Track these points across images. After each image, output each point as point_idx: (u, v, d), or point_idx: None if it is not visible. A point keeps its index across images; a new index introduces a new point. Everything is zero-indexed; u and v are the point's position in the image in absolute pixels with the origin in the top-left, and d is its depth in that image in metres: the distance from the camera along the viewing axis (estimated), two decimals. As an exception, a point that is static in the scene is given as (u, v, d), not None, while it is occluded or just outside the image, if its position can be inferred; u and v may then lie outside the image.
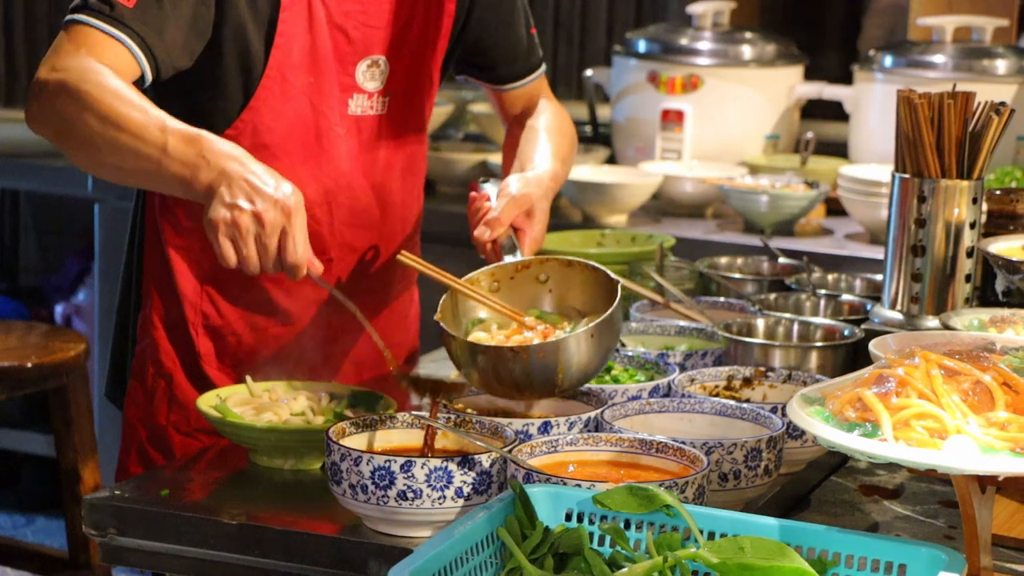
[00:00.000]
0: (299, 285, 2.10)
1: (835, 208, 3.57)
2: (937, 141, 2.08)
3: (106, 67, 1.93)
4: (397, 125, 2.21)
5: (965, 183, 2.09)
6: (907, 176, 2.11)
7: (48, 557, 3.23)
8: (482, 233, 2.09)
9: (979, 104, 2.10)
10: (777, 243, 3.34)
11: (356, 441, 1.74)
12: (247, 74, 2.08)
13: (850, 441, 1.41)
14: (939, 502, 1.88)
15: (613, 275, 1.94)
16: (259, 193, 1.86)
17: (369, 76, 2.17)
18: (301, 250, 1.88)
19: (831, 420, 1.46)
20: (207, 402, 1.94)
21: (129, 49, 1.96)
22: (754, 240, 3.37)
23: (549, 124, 2.34)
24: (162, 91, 2.06)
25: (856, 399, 1.45)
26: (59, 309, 4.42)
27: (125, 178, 1.98)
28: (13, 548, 3.29)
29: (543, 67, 2.40)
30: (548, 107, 2.39)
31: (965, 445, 1.38)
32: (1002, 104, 2.08)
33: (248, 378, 1.96)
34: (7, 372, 2.94)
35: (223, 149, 1.89)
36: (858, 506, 1.90)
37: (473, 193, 2.17)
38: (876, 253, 3.19)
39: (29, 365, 2.96)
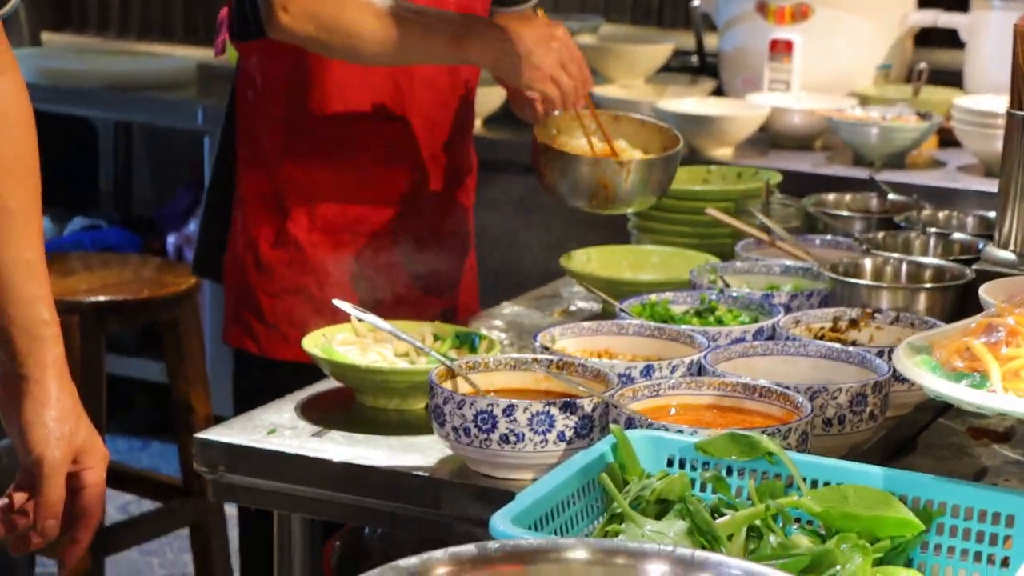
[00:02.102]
0: (384, 152, 2.40)
1: (949, 139, 3.48)
2: (1055, 77, 2.02)
3: None
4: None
5: (1083, 120, 2.02)
6: (1021, 113, 2.05)
7: (164, 484, 3.31)
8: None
9: (1100, 38, 2.02)
10: (887, 176, 3.27)
11: (459, 383, 1.76)
12: None
13: (958, 392, 1.39)
14: (1050, 447, 1.85)
15: (665, 125, 2.44)
16: (535, 34, 2.21)
17: None
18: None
19: (938, 370, 1.43)
20: (313, 341, 1.96)
21: None
22: (863, 173, 3.30)
23: None
24: None
25: (964, 348, 1.42)
26: (171, 240, 4.49)
27: (391, 58, 2.27)
28: (131, 474, 3.38)
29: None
30: None
31: (1077, 397, 1.35)
32: (1124, 39, 2.00)
33: (354, 316, 1.97)
34: (122, 305, 3.00)
35: (476, 16, 2.25)
36: (966, 450, 1.87)
37: None
38: (990, 186, 3.10)
39: (143, 298, 3.02)
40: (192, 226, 4.46)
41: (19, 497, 1.54)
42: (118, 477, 3.33)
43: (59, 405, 1.54)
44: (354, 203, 2.43)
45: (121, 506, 3.94)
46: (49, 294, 1.56)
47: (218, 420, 3.40)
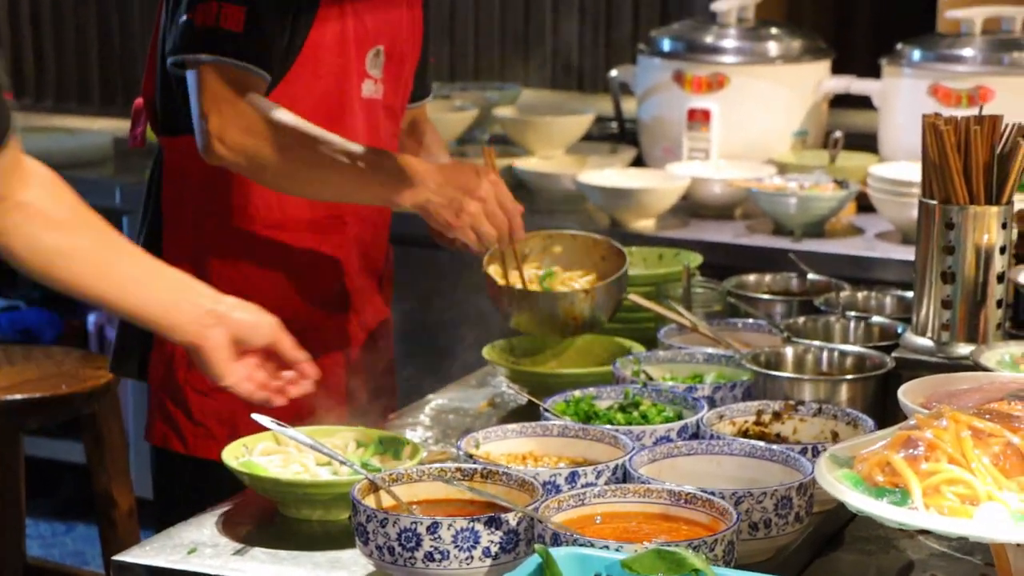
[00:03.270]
0: (317, 245, 2.43)
1: (866, 204, 3.52)
2: (964, 167, 2.04)
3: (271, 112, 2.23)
4: (391, 114, 2.50)
5: (994, 208, 2.05)
6: (934, 202, 2.07)
7: (87, 581, 3.25)
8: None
9: (1007, 127, 2.05)
10: (807, 245, 3.32)
11: (382, 497, 1.73)
12: (288, 51, 2.31)
13: (880, 509, 1.39)
14: (974, 540, 1.86)
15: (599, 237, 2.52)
16: (462, 183, 2.27)
17: (374, 64, 2.43)
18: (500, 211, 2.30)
19: (860, 485, 1.43)
20: (233, 453, 1.93)
21: (263, 78, 2.27)
22: (784, 242, 3.34)
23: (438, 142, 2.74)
24: None
25: (885, 462, 1.43)
26: (91, 319, 4.43)
27: (320, 196, 2.36)
28: (52, 571, 3.31)
29: (432, 94, 2.73)
30: (431, 127, 2.73)
31: (997, 513, 1.35)
32: (1030, 128, 2.03)
33: (273, 426, 1.94)
34: (40, 402, 2.95)
35: (409, 162, 2.28)
36: (893, 542, 1.87)
37: None
38: (907, 254, 3.14)
39: (61, 393, 2.97)
40: (113, 304, 4.40)
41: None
42: (38, 573, 3.26)
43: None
44: (287, 302, 2.39)
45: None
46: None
47: (141, 505, 3.37)
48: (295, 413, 2.15)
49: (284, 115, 2.25)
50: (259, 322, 1.98)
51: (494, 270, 2.42)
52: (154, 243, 2.46)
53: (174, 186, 2.44)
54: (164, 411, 2.44)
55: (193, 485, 2.40)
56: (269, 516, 1.91)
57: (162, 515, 2.38)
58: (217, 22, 2.24)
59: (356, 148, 2.27)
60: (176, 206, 2.44)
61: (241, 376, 1.95)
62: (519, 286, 2.40)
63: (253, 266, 2.41)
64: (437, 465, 1.79)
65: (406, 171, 2.27)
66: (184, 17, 2.27)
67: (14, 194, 1.85)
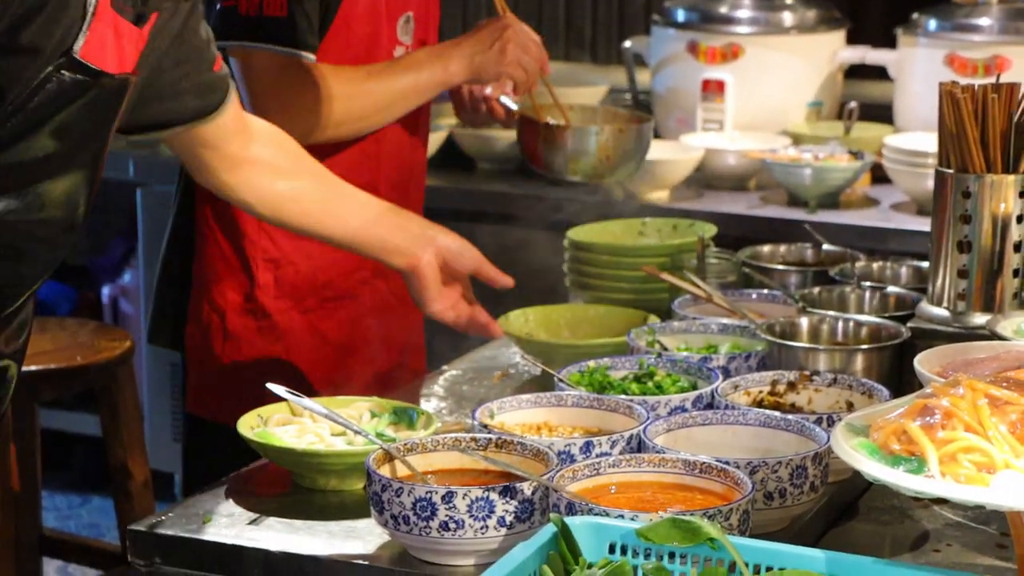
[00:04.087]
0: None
1: (881, 175, 3.51)
2: (981, 135, 2.03)
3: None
4: None
5: (1011, 177, 2.03)
6: (951, 171, 2.06)
7: (103, 552, 3.25)
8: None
9: (1024, 95, 2.04)
10: (822, 216, 3.30)
11: (397, 467, 1.73)
12: (321, 21, 2.36)
13: (896, 477, 1.38)
14: (990, 509, 1.85)
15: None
16: (493, 31, 2.48)
17: (404, 31, 2.50)
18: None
19: (876, 453, 1.43)
20: (248, 423, 1.93)
21: (310, 59, 2.37)
22: (798, 214, 3.32)
23: None
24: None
25: (901, 431, 1.42)
26: (106, 291, 4.43)
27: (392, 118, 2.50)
28: (68, 542, 3.32)
29: None
30: None
31: (1014, 481, 1.35)
32: (1048, 96, 2.02)
33: (289, 396, 1.94)
34: (54, 373, 2.95)
35: (439, 46, 2.48)
36: (907, 512, 1.87)
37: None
38: (923, 225, 3.12)
39: (76, 365, 2.97)
40: (127, 276, 4.41)
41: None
42: (55, 544, 3.27)
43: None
44: (321, 271, 2.49)
45: (60, 567, 3.87)
46: None
47: (156, 477, 3.37)
48: (341, 369, 2.25)
49: (336, 84, 2.36)
50: (464, 248, 2.16)
51: (529, 114, 2.69)
52: (187, 213, 2.51)
53: None
54: (204, 383, 2.49)
55: (225, 455, 2.42)
56: (284, 486, 1.91)
57: (193, 485, 2.41)
58: (261, 10, 2.30)
59: (396, 63, 2.43)
60: None
61: (447, 304, 2.15)
62: (556, 121, 2.66)
63: (288, 236, 2.44)
64: (452, 435, 1.79)
65: (444, 51, 2.45)
66: (223, 4, 2.31)
67: (242, 150, 2.06)
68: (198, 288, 2.50)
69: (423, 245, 2.13)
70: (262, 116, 2.21)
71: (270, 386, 1.88)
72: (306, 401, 1.88)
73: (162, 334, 2.58)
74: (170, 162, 4.08)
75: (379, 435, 1.88)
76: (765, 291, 2.38)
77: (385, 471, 1.71)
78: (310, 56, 2.35)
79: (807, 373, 1.99)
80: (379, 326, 2.58)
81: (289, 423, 1.95)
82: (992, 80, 2.04)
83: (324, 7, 2.37)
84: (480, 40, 2.48)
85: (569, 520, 1.52)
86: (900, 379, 2.03)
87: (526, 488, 1.65)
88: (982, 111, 2.02)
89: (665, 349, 2.16)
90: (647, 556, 1.49)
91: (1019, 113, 2.03)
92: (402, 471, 1.73)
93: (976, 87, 2.03)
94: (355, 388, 2.34)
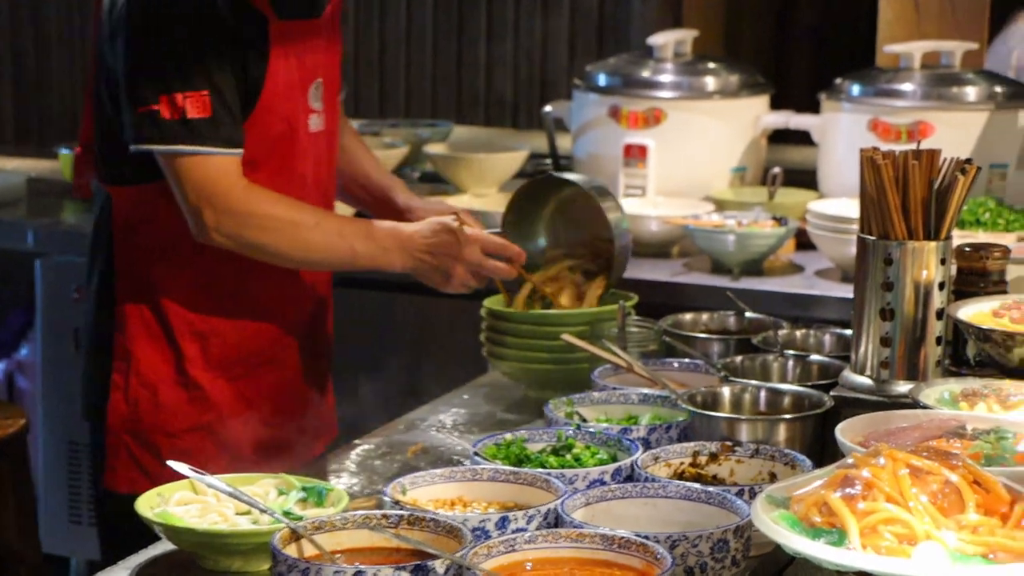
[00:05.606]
0: (275, 281, 2.56)
1: (806, 241, 3.56)
2: (903, 201, 2.07)
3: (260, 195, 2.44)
4: (331, 141, 2.65)
5: (932, 244, 2.08)
6: (873, 238, 2.09)
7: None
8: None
9: (944, 161, 2.09)
10: (746, 284, 3.34)
11: (304, 546, 1.72)
12: (245, 104, 2.46)
13: (817, 550, 1.40)
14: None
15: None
16: (446, 252, 2.51)
17: (315, 96, 2.57)
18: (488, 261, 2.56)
19: (797, 526, 1.44)
20: (147, 503, 1.91)
21: (239, 153, 2.44)
22: (722, 281, 3.36)
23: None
24: None
25: (822, 502, 1.44)
26: (1, 366, 4.36)
27: (315, 269, 2.61)
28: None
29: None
30: (349, 130, 2.90)
31: (935, 552, 1.37)
32: (968, 162, 2.07)
33: (190, 474, 1.92)
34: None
35: (391, 233, 2.51)
36: (832, 586, 1.88)
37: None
38: (847, 291, 3.16)
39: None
40: (24, 351, 4.35)
41: None
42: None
43: None
44: (244, 341, 2.55)
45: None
46: None
47: (50, 562, 3.31)
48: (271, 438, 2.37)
49: (273, 203, 2.44)
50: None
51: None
52: (106, 292, 2.56)
53: (125, 235, 2.54)
54: (130, 455, 2.54)
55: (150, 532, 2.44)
56: (187, 567, 1.88)
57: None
58: (184, 114, 2.37)
59: (347, 226, 2.50)
60: (128, 254, 2.54)
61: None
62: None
63: (215, 308, 2.53)
64: (361, 512, 1.78)
65: (393, 241, 2.51)
66: (145, 108, 2.38)
67: None
68: (123, 360, 2.55)
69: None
70: (199, 219, 2.39)
71: (171, 463, 1.86)
72: (209, 478, 1.86)
73: (96, 411, 2.61)
74: (71, 231, 4.09)
75: (286, 513, 1.87)
76: (687, 360, 2.40)
77: (291, 551, 1.70)
78: (237, 152, 2.44)
79: (729, 444, 2.01)
80: (304, 389, 2.65)
81: (191, 502, 1.93)
82: (913, 146, 2.09)
83: (244, 95, 2.45)
84: (430, 249, 2.52)
85: (482, 599, 1.51)
86: (824, 449, 2.05)
87: (438, 567, 1.64)
88: (903, 177, 2.06)
89: (584, 420, 2.17)
90: (563, 636, 1.49)
91: (940, 180, 2.08)
92: (310, 551, 1.72)
93: (897, 153, 2.08)
94: (283, 454, 2.44)
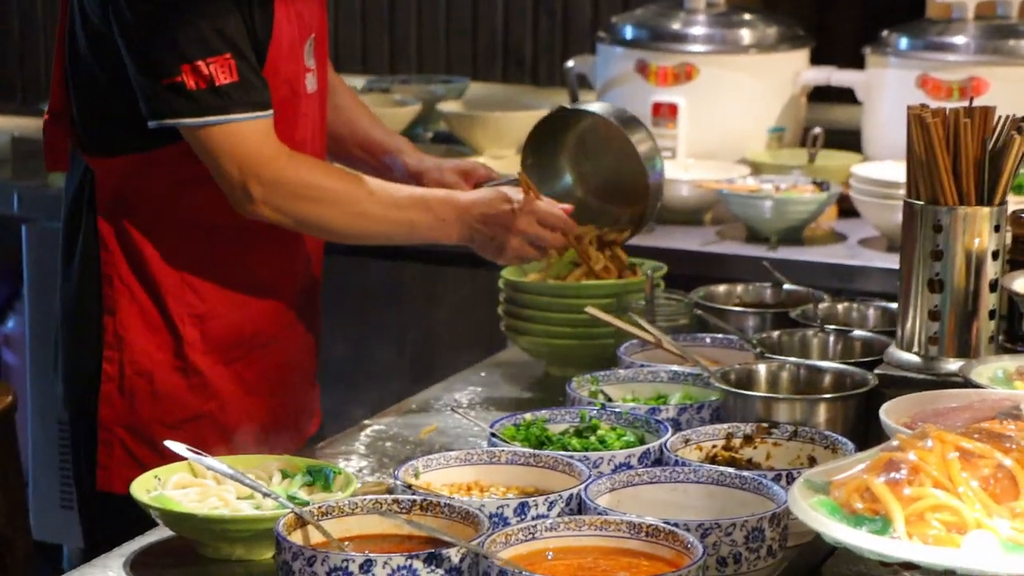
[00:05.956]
0: (274, 256, 2.54)
1: (848, 207, 3.55)
2: (954, 164, 2.07)
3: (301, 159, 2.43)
4: (323, 100, 2.60)
5: (985, 209, 2.08)
6: (920, 203, 2.09)
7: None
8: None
9: (999, 119, 2.08)
10: (784, 253, 3.34)
11: (310, 533, 1.73)
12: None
13: (859, 539, 1.40)
14: (964, 575, 1.87)
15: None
16: (499, 223, 2.49)
17: (309, 54, 2.53)
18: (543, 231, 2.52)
19: (837, 512, 1.45)
20: (143, 485, 1.92)
21: (271, 113, 2.40)
22: (758, 250, 3.36)
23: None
24: None
25: (864, 488, 1.44)
26: (-13, 343, 4.39)
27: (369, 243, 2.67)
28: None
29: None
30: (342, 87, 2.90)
31: (987, 542, 1.37)
32: (1024, 121, 2.06)
33: (188, 455, 1.94)
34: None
35: (448, 202, 2.49)
36: (875, 578, 1.89)
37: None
38: (893, 262, 3.18)
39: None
40: (11, 323, 4.37)
41: None
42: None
43: None
44: (241, 316, 2.53)
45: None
46: None
47: (41, 550, 3.34)
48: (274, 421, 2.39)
49: (323, 172, 2.44)
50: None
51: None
52: (92, 274, 2.52)
53: (112, 212, 2.49)
54: (126, 451, 2.50)
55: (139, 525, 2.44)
56: (186, 555, 1.90)
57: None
58: (212, 81, 2.33)
59: (401, 195, 2.48)
60: (116, 233, 2.50)
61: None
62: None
63: (214, 289, 2.51)
64: (371, 497, 1.79)
65: (452, 211, 2.49)
66: (169, 80, 2.33)
67: None
68: (114, 349, 2.52)
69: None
70: (245, 192, 2.36)
71: (168, 443, 1.87)
72: (209, 460, 1.87)
73: (78, 401, 2.57)
74: (61, 195, 4.09)
75: (291, 498, 1.88)
76: (720, 335, 2.41)
77: (296, 537, 1.71)
78: (269, 113, 2.41)
79: (765, 425, 2.01)
80: (303, 368, 2.65)
81: (190, 485, 1.95)
82: (965, 104, 2.08)
83: (259, 59, 2.42)
84: (486, 221, 2.50)
85: (501, 590, 1.52)
86: (867, 431, 2.06)
87: (453, 555, 1.65)
88: (954, 137, 2.06)
89: (609, 400, 2.18)
90: (587, 630, 1.50)
91: (994, 140, 2.07)
92: (316, 537, 1.73)
93: (947, 111, 2.07)
94: (283, 438, 2.42)
